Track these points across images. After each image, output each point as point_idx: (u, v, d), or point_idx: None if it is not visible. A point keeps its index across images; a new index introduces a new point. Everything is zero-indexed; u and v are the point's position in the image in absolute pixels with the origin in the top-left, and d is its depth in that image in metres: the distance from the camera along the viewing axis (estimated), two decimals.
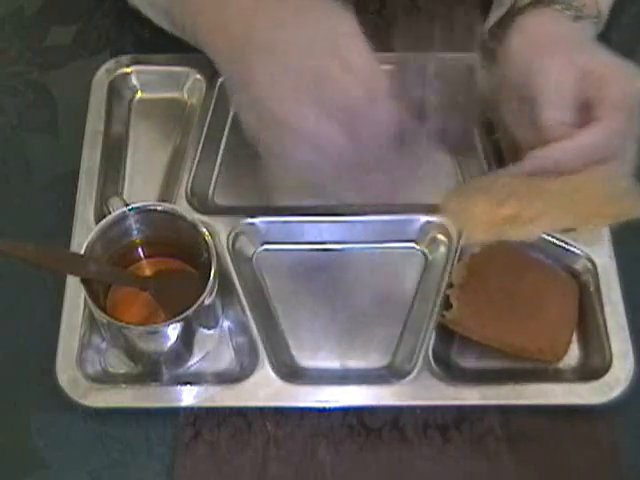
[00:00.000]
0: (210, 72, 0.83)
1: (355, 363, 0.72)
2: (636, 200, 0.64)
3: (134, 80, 0.85)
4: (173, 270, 0.72)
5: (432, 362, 0.69)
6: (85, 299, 0.69)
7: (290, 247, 0.77)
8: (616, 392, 0.68)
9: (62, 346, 0.70)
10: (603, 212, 0.64)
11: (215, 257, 0.66)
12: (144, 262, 0.73)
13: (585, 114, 0.66)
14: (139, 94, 0.85)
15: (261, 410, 0.69)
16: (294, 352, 0.73)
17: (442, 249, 0.76)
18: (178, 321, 0.64)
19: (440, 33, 0.81)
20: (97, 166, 0.78)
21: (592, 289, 0.73)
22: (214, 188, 0.80)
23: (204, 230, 0.68)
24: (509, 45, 0.70)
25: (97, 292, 0.68)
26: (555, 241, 0.75)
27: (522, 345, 0.70)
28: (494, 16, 0.76)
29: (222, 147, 0.82)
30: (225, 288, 0.71)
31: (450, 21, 0.75)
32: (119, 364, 0.71)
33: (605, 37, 0.90)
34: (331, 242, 0.77)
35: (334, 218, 0.76)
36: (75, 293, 0.71)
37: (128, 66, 0.84)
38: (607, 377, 0.69)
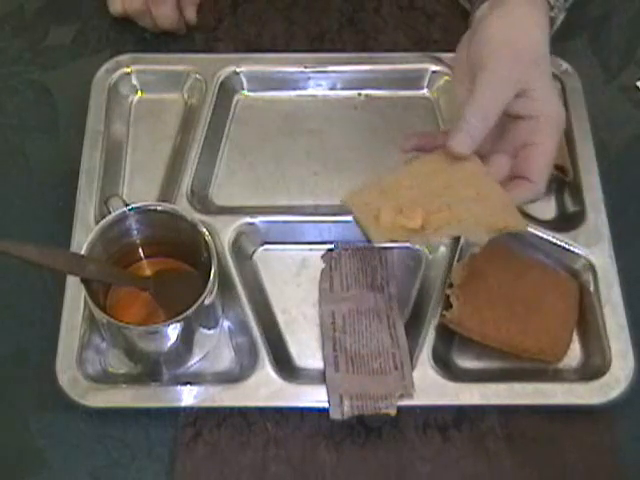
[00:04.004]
0: (210, 72, 0.84)
1: None
2: (517, 215, 0.65)
3: (134, 80, 0.85)
4: (173, 270, 0.72)
5: (432, 362, 0.69)
6: (85, 299, 0.70)
7: (290, 247, 0.77)
8: (616, 392, 0.68)
9: (62, 346, 0.70)
10: (495, 224, 0.64)
11: (215, 257, 0.66)
12: (144, 262, 0.73)
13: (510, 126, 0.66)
14: (139, 94, 0.85)
15: (261, 410, 0.69)
16: (294, 352, 0.73)
17: (442, 249, 0.76)
18: (178, 321, 0.64)
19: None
20: (97, 166, 0.78)
21: (592, 289, 0.73)
22: (214, 188, 0.80)
23: (204, 230, 0.68)
24: (481, 21, 0.67)
25: (97, 292, 0.68)
26: (555, 241, 0.75)
27: (522, 345, 0.70)
28: None
29: (222, 147, 0.83)
30: (225, 288, 0.71)
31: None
32: (119, 364, 0.71)
33: (605, 37, 0.91)
34: (331, 242, 0.77)
35: (334, 218, 0.76)
36: (75, 293, 0.71)
37: (128, 66, 0.84)
38: (607, 377, 0.69)
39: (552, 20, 0.72)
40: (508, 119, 0.66)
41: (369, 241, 0.63)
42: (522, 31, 0.66)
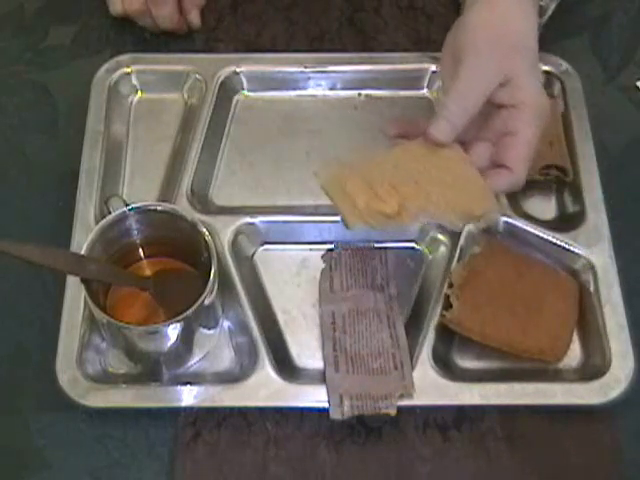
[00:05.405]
0: (210, 72, 0.84)
1: None
2: (494, 202, 0.65)
3: (134, 80, 0.85)
4: (173, 270, 0.72)
5: (432, 362, 0.69)
6: (85, 299, 0.70)
7: (290, 247, 0.77)
8: (616, 392, 0.68)
9: (62, 346, 0.70)
10: (471, 211, 0.65)
11: (215, 257, 0.66)
12: (144, 262, 0.73)
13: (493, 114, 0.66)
14: (139, 94, 0.85)
15: (261, 410, 0.69)
16: (294, 352, 0.73)
17: (442, 249, 0.76)
18: (178, 321, 0.64)
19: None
20: (97, 166, 0.78)
21: (592, 289, 0.73)
22: (214, 188, 0.80)
23: (204, 230, 0.68)
24: (469, 9, 0.68)
25: (97, 292, 0.68)
26: (555, 241, 0.75)
27: (522, 345, 0.70)
28: None
29: (222, 147, 0.83)
30: (225, 288, 0.71)
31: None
32: (119, 364, 0.71)
33: (605, 37, 0.91)
34: (331, 242, 0.77)
35: (334, 218, 0.76)
36: (75, 293, 0.71)
37: (128, 66, 0.84)
38: (607, 377, 0.69)
39: (542, 9, 0.72)
40: (492, 107, 0.66)
41: (346, 226, 0.64)
42: (508, 21, 0.66)
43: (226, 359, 0.72)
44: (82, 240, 0.68)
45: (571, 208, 0.79)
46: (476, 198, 0.65)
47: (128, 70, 0.84)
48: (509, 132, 0.65)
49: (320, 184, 0.65)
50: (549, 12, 0.75)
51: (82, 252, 0.66)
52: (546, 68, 0.83)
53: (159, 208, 0.70)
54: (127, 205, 0.69)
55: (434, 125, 0.64)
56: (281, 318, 0.74)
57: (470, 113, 0.64)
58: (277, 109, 0.85)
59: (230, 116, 0.84)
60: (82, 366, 0.69)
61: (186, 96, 0.85)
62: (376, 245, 0.76)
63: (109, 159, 0.80)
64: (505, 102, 0.65)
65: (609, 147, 0.82)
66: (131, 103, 0.85)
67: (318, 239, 0.77)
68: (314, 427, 0.69)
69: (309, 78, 0.85)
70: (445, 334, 0.71)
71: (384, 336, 0.71)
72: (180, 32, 0.88)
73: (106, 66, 0.84)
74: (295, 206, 0.79)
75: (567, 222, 0.77)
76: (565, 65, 0.84)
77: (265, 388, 0.68)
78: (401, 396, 0.67)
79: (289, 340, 0.73)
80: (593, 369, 0.70)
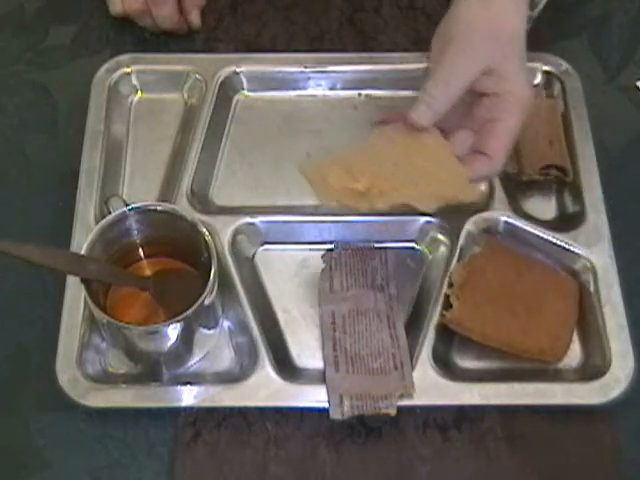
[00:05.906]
0: (210, 72, 0.84)
1: None
2: (469, 186, 0.67)
3: (134, 80, 0.85)
4: (173, 270, 0.72)
5: (432, 362, 0.69)
6: (85, 299, 0.70)
7: (290, 247, 0.77)
8: (616, 392, 0.68)
9: (62, 346, 0.70)
10: (444, 195, 0.66)
11: (215, 257, 0.66)
12: (144, 262, 0.73)
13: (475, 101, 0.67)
14: (139, 94, 0.85)
15: (261, 410, 0.69)
16: (294, 352, 0.73)
17: (442, 249, 0.76)
18: (178, 321, 0.64)
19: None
20: (97, 166, 0.78)
21: (592, 289, 0.73)
22: (214, 188, 0.80)
23: (204, 230, 0.68)
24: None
25: (97, 292, 0.68)
26: (555, 241, 0.75)
27: (522, 345, 0.70)
28: None
29: (222, 147, 0.83)
30: (225, 288, 0.71)
31: None
32: (119, 364, 0.71)
33: (605, 37, 0.91)
34: (331, 242, 0.77)
35: (334, 218, 0.76)
36: (75, 293, 0.71)
37: (128, 66, 0.84)
38: (607, 377, 0.69)
39: (534, 2, 0.72)
40: (476, 96, 0.66)
41: (320, 205, 0.65)
42: (499, 13, 0.66)
43: (226, 359, 0.72)
44: (82, 240, 0.68)
45: (571, 208, 0.79)
46: (454, 185, 0.66)
47: (128, 70, 0.84)
48: (491, 120, 0.66)
49: (298, 168, 0.66)
50: (540, 5, 0.75)
51: (82, 252, 0.66)
52: (546, 68, 0.83)
53: (159, 208, 0.70)
54: (127, 205, 0.69)
55: (415, 109, 0.66)
56: (281, 318, 0.74)
57: (451, 99, 0.65)
58: (277, 109, 0.85)
59: (230, 116, 0.84)
60: (82, 366, 0.69)
61: (186, 96, 0.85)
62: (376, 245, 0.76)
63: (109, 159, 0.80)
64: (490, 91, 0.66)
65: (609, 147, 0.82)
66: (131, 103, 0.85)
67: (318, 239, 0.77)
68: (314, 427, 0.69)
69: (309, 78, 0.85)
70: (445, 334, 0.71)
71: (384, 336, 0.71)
72: (180, 32, 0.88)
73: (106, 66, 0.84)
74: (295, 206, 0.79)
75: (567, 222, 0.77)
76: (565, 65, 0.84)
77: (265, 388, 0.68)
78: (401, 396, 0.67)
79: (289, 340, 0.73)
80: (593, 369, 0.70)
